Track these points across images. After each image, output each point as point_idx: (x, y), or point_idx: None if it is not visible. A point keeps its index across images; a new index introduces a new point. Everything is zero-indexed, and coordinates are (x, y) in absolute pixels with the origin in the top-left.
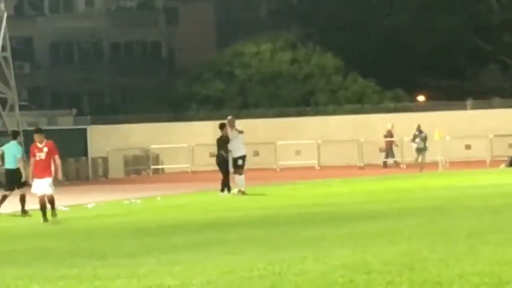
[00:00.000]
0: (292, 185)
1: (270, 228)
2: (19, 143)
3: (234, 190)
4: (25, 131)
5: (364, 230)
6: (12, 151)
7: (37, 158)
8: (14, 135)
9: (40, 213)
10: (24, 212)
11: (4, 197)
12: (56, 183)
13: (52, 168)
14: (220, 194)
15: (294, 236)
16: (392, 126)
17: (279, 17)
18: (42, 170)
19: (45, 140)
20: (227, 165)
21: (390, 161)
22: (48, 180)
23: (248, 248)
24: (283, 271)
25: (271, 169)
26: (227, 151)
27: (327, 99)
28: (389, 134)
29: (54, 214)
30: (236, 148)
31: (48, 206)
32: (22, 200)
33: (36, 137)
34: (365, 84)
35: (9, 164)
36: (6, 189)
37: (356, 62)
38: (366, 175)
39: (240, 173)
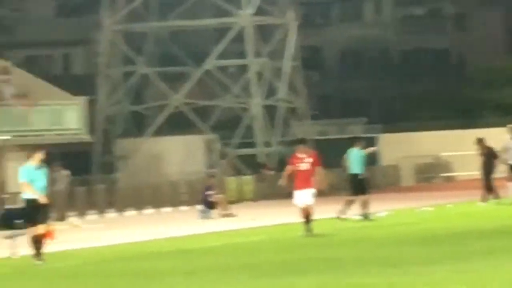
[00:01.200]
0: None
1: None
2: (362, 149)
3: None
4: (315, 141)
5: None
6: (356, 157)
7: (297, 168)
8: (354, 141)
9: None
10: (365, 216)
11: (350, 202)
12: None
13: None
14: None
15: None
16: None
17: None
18: (303, 181)
19: (308, 151)
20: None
21: None
22: (311, 191)
23: None
24: None
25: None
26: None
27: None
28: None
29: (308, 227)
30: None
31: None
32: (365, 204)
33: (298, 148)
34: None
35: (354, 170)
36: (351, 194)
37: None
38: None
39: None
